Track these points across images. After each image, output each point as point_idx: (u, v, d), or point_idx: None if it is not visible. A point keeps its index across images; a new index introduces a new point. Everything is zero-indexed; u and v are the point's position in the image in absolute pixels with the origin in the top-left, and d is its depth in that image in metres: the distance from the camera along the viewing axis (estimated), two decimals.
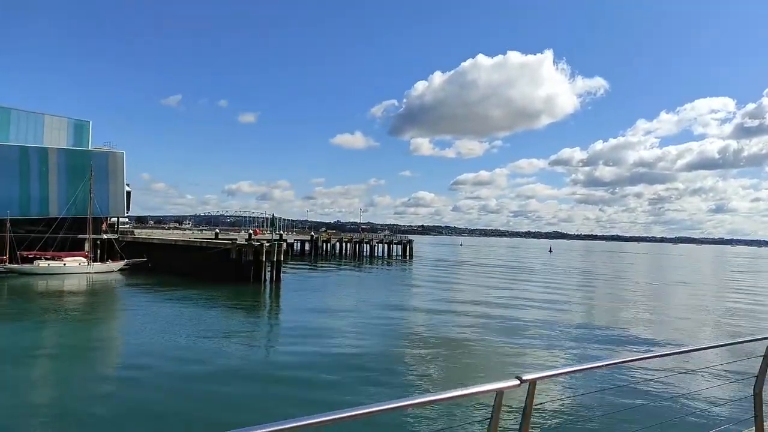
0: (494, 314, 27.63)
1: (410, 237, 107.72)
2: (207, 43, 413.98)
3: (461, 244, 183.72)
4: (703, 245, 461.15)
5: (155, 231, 72.61)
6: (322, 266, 62.10)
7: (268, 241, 41.60)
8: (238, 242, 42.93)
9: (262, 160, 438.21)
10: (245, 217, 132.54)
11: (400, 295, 35.91)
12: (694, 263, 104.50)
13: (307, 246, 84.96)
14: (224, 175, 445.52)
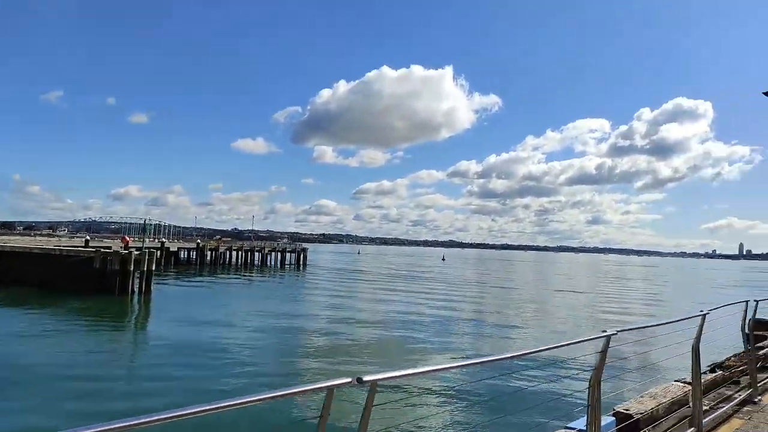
0: (364, 319, 27.12)
1: (305, 245, 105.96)
2: (94, 35, 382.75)
3: (359, 253, 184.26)
4: (580, 253, 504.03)
5: (17, 238, 64.59)
6: (206, 276, 58.55)
7: (137, 249, 38.09)
8: (103, 250, 38.82)
9: (155, 163, 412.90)
10: (131, 223, 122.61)
11: (278, 305, 34.34)
12: (573, 270, 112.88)
13: (193, 254, 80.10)
14: (111, 178, 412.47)
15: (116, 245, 47.06)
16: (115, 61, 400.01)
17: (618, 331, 3.53)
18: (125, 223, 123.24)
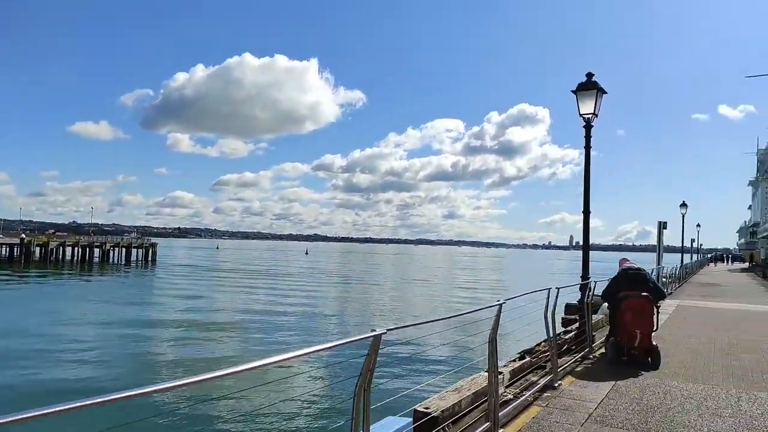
0: (201, 321, 25.46)
1: (155, 240, 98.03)
2: None
3: (218, 248, 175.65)
4: (437, 246, 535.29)
5: None
6: (31, 275, 51.17)
7: None
8: None
9: None
10: None
11: (111, 308, 30.91)
12: (431, 262, 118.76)
13: (16, 251, 69.78)
14: None
15: None
16: None
17: (388, 330, 3.11)
18: None
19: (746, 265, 65.65)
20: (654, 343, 7.69)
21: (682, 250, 32.00)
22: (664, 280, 21.33)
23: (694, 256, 51.63)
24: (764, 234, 65.33)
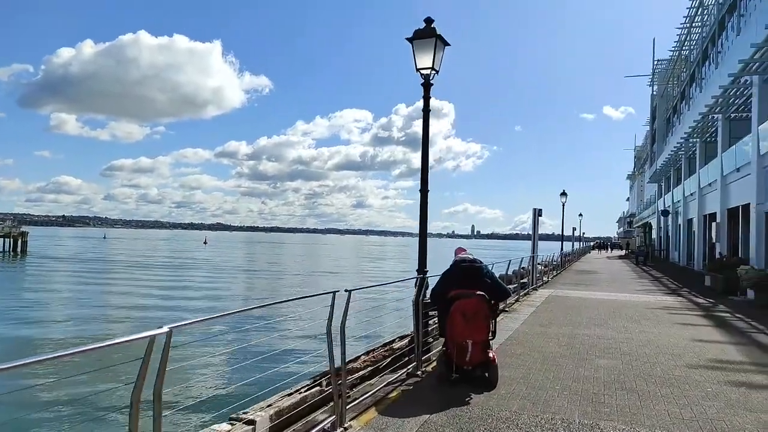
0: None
1: (26, 228, 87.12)
2: None
3: (105, 237, 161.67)
4: (346, 235, 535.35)
5: None
6: None
7: None
8: None
9: None
10: None
11: None
12: (339, 252, 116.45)
13: None
14: None
15: None
16: None
17: (175, 326, 2.74)
18: None
19: (623, 252, 70.16)
20: (490, 354, 6.00)
21: (562, 238, 32.37)
22: (540, 267, 20.71)
23: (578, 245, 53.84)
24: (639, 223, 70.13)
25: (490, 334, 5.98)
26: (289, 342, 14.18)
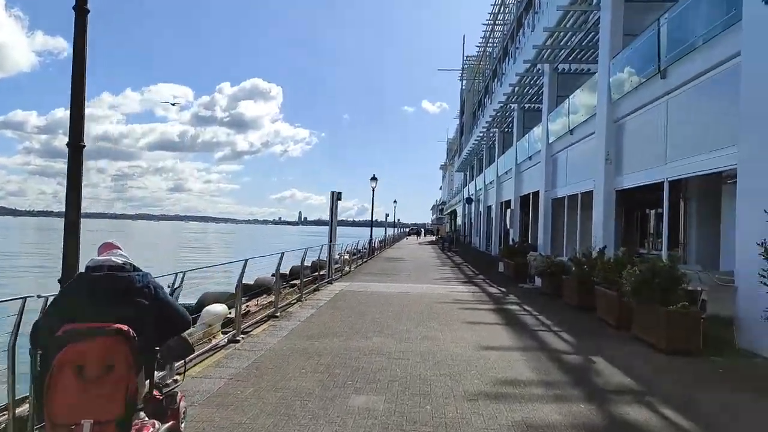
0: None
1: None
2: None
3: None
4: (161, 221, 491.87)
5: None
6: None
7: None
8: None
9: None
10: None
11: None
12: (151, 239, 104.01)
13: None
14: None
15: None
16: None
17: None
18: None
19: (434, 238, 74.12)
20: None
21: (372, 224, 31.55)
22: (339, 257, 18.92)
23: (391, 231, 54.63)
24: (448, 211, 74.63)
25: (138, 403, 3.29)
26: None
